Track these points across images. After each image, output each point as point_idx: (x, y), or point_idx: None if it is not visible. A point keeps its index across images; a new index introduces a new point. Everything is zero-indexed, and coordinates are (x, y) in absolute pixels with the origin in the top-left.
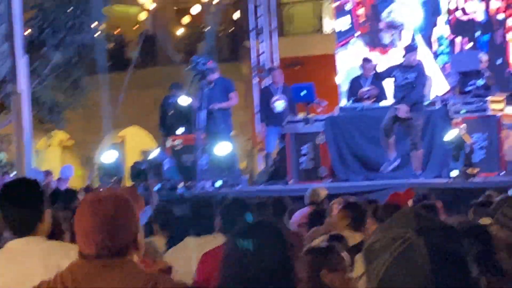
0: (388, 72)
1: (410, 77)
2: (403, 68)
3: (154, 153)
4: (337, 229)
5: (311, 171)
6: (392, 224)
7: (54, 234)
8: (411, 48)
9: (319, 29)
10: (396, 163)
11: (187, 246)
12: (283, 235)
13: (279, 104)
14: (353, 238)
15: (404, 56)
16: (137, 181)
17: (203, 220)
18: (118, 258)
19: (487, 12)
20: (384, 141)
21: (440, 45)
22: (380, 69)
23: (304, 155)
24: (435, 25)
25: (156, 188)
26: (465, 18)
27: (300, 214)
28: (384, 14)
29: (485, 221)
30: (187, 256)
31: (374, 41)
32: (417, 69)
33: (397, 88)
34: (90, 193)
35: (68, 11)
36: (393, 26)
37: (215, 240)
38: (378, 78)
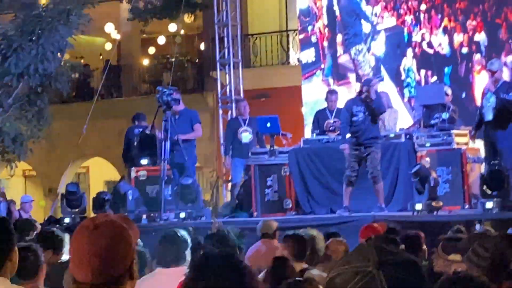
0: (347, 106)
1: (368, 111)
2: (361, 101)
3: (118, 183)
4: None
5: (276, 203)
6: (353, 258)
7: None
8: (367, 82)
9: (285, 61)
10: (346, 213)
11: (157, 277)
12: (242, 267)
13: (246, 136)
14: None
15: (361, 89)
16: (100, 211)
17: (169, 251)
18: (114, 287)
19: (451, 46)
20: (345, 189)
21: (407, 76)
22: (341, 103)
23: (269, 187)
24: (403, 56)
25: None
26: (430, 51)
27: (255, 248)
28: (352, 51)
29: (454, 257)
30: (158, 286)
31: (339, 74)
32: (376, 102)
33: (355, 122)
34: (86, 219)
35: (33, 39)
36: (356, 61)
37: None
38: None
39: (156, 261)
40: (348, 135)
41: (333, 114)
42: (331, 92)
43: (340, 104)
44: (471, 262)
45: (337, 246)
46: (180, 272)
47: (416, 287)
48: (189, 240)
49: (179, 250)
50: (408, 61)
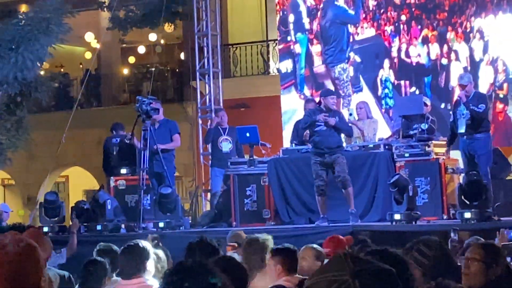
0: (309, 113)
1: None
2: (321, 112)
3: (97, 193)
4: (272, 277)
5: (255, 213)
6: (330, 267)
7: None
8: (328, 92)
9: (265, 71)
10: (325, 223)
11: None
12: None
13: (226, 145)
14: (292, 282)
15: (322, 100)
16: (80, 220)
17: (130, 262)
18: None
19: (430, 57)
20: (318, 200)
21: (385, 87)
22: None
23: (248, 197)
24: (381, 68)
25: (98, 228)
26: (409, 61)
27: None
28: (337, 69)
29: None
30: None
31: (316, 84)
32: (337, 113)
33: (318, 132)
34: None
35: (12, 48)
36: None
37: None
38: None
39: (117, 272)
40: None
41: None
42: (308, 101)
43: None
44: (414, 261)
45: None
46: (140, 283)
47: None
48: (150, 251)
49: (140, 261)
50: (385, 72)
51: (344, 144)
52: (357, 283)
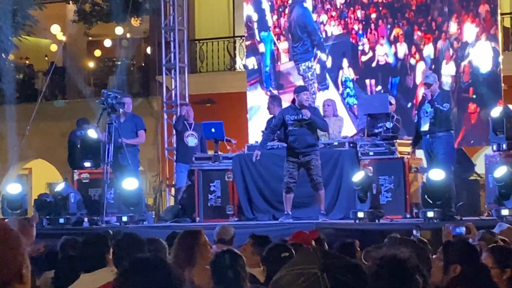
0: (280, 114)
1: (305, 120)
2: (295, 110)
3: (60, 186)
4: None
5: (219, 209)
6: (299, 261)
7: None
8: (301, 89)
9: (231, 67)
10: (289, 220)
11: (82, 282)
12: (171, 272)
13: (192, 140)
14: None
15: (293, 98)
16: (42, 213)
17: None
18: None
19: (396, 56)
20: (285, 197)
21: (346, 87)
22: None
23: (212, 192)
24: (340, 67)
25: (61, 221)
26: (375, 60)
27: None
28: (302, 67)
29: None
30: None
31: (282, 81)
32: (312, 109)
33: (291, 131)
34: None
35: None
36: (304, 77)
37: (108, 274)
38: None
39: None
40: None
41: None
42: (273, 98)
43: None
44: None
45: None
46: (102, 276)
47: None
48: (109, 244)
49: (101, 253)
50: (345, 72)
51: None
52: (326, 277)
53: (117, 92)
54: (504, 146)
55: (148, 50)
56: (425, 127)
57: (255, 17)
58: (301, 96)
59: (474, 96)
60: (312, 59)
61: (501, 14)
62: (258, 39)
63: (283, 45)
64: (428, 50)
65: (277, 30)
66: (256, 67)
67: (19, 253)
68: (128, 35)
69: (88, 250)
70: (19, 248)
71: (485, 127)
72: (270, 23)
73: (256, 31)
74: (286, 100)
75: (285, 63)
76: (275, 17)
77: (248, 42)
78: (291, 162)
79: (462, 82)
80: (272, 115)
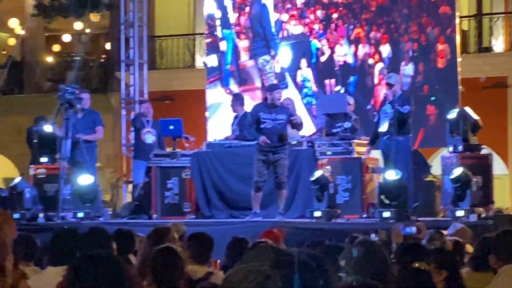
0: (254, 111)
1: (279, 117)
2: (268, 108)
3: (16, 181)
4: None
5: (176, 206)
6: (251, 258)
7: None
8: (273, 87)
9: (191, 65)
10: (259, 218)
11: (47, 275)
12: (122, 269)
13: (149, 137)
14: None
15: (265, 96)
16: None
17: (64, 250)
18: None
19: (356, 56)
20: (254, 195)
21: (304, 87)
22: (248, 108)
23: (169, 189)
24: (299, 67)
25: (16, 216)
26: (335, 60)
27: None
28: (260, 61)
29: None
30: (48, 285)
31: (243, 79)
32: (285, 111)
33: (264, 129)
34: None
35: None
36: (262, 71)
37: None
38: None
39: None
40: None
41: (238, 119)
42: (236, 97)
43: (247, 108)
44: (361, 267)
45: None
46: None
47: (310, 286)
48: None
49: (71, 248)
50: (304, 71)
51: None
52: (277, 274)
53: (75, 88)
54: (460, 147)
55: (108, 46)
56: (384, 128)
57: (217, 14)
58: (274, 94)
59: (433, 98)
60: (271, 53)
61: (460, 17)
62: (220, 36)
63: (243, 43)
64: (387, 51)
65: (237, 28)
66: (216, 64)
67: (3, 245)
68: (87, 31)
69: (56, 244)
70: (3, 241)
71: (442, 129)
72: (232, 21)
73: (219, 28)
74: (248, 99)
75: (245, 61)
76: (236, 14)
77: (208, 40)
78: (261, 161)
79: (417, 81)
80: (236, 113)
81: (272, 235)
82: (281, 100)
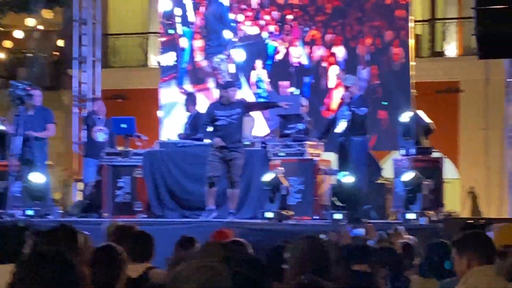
0: (209, 110)
1: (234, 115)
2: (223, 106)
3: None
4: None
5: (127, 205)
6: (200, 253)
7: None
8: (228, 84)
9: (144, 63)
10: (214, 214)
11: None
12: (72, 266)
13: (101, 135)
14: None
15: (223, 93)
16: None
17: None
18: None
19: (311, 58)
20: (208, 191)
21: (258, 88)
22: (201, 107)
23: (121, 188)
24: (253, 68)
25: None
26: (290, 62)
27: None
28: (216, 59)
29: None
30: None
31: (197, 78)
32: (239, 105)
33: (220, 126)
34: None
35: None
36: (217, 69)
37: None
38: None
39: None
40: (210, 129)
41: (190, 119)
42: (189, 96)
43: (200, 108)
44: (303, 262)
45: None
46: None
47: (258, 283)
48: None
49: (16, 245)
50: (259, 72)
51: None
52: (226, 269)
53: (26, 84)
54: (413, 151)
55: (60, 43)
56: (340, 129)
57: (177, 11)
58: (229, 92)
59: (385, 103)
60: (226, 52)
61: (414, 21)
62: (181, 33)
63: (198, 43)
64: (342, 53)
65: (192, 26)
66: (171, 63)
67: None
68: (40, 27)
69: (3, 241)
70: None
71: (393, 132)
72: (190, 19)
73: (179, 26)
74: (203, 98)
75: (200, 61)
76: (192, 13)
77: (163, 39)
78: (216, 156)
79: (372, 84)
80: (189, 112)
81: (222, 235)
82: (235, 97)
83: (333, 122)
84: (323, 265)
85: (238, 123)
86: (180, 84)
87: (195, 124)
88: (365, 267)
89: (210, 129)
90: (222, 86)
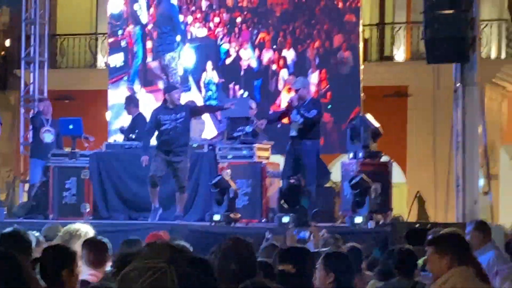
0: (153, 115)
1: (179, 119)
2: (167, 110)
3: None
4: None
5: (74, 206)
6: (147, 254)
7: None
8: (171, 88)
9: (92, 64)
10: (159, 212)
11: None
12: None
13: (48, 136)
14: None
15: (166, 97)
16: None
17: None
18: None
19: (260, 60)
20: (151, 191)
21: (208, 90)
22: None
23: (67, 189)
24: (204, 70)
25: None
26: (239, 64)
27: None
28: (167, 57)
29: None
30: None
31: (147, 80)
32: (185, 108)
33: (165, 131)
34: None
35: None
36: (166, 70)
37: None
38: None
39: None
40: (153, 140)
41: (131, 121)
42: (129, 99)
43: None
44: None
45: None
46: None
47: (206, 284)
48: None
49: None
50: (209, 74)
51: None
52: (173, 270)
53: None
54: (361, 154)
55: (7, 42)
56: (293, 132)
57: (131, 11)
58: (172, 95)
59: (329, 106)
60: (175, 51)
61: (363, 25)
62: (133, 32)
63: (149, 44)
64: (291, 57)
65: (143, 27)
66: (119, 64)
67: None
68: None
69: None
70: None
71: (339, 135)
72: (143, 20)
73: (132, 26)
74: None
75: (150, 62)
76: (145, 13)
77: (111, 40)
78: (160, 158)
79: (321, 88)
80: (131, 115)
81: (158, 237)
82: (181, 101)
83: (285, 113)
84: (243, 266)
85: (183, 127)
86: (131, 84)
87: (133, 126)
88: (290, 267)
89: (152, 137)
90: (164, 90)
